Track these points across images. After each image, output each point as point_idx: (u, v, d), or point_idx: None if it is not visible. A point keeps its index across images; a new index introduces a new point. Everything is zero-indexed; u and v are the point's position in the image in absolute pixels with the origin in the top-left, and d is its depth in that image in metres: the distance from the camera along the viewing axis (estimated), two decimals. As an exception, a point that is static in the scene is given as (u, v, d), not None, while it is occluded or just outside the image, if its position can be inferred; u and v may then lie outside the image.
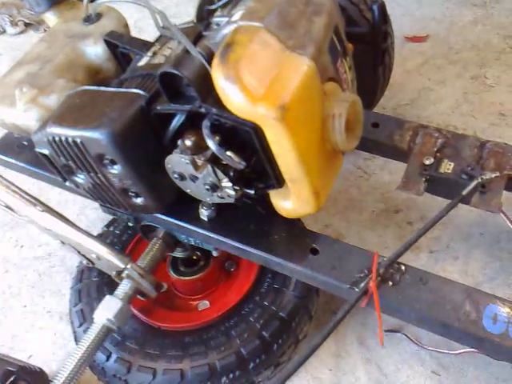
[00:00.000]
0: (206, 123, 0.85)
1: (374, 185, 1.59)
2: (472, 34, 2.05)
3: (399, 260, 0.97)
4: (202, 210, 1.06)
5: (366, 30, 1.15)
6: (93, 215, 1.67)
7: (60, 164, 1.02)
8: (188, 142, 0.89)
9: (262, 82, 0.77)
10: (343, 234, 1.47)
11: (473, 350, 1.04)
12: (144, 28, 2.31)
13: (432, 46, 2.02)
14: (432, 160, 1.09)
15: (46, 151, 1.01)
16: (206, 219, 1.07)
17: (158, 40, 1.11)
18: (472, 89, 1.83)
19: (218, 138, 0.85)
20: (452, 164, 1.08)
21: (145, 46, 1.11)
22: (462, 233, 1.43)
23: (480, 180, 1.05)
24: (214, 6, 1.02)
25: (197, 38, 1.00)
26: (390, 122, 1.21)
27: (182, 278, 1.24)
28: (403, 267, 0.96)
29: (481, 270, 1.35)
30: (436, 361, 1.22)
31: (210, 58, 0.95)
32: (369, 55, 1.22)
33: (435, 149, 1.12)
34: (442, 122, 1.73)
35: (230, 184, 0.91)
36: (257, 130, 0.81)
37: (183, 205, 1.06)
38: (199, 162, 0.88)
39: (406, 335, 1.24)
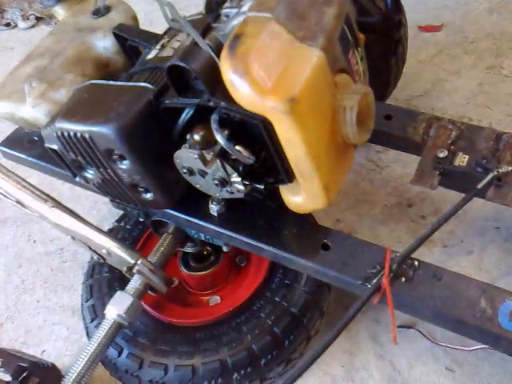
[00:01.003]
0: (214, 117, 0.83)
1: (386, 178, 1.57)
2: (487, 22, 2.00)
3: (412, 255, 0.95)
4: (212, 206, 1.05)
5: (378, 19, 1.12)
6: (105, 210, 1.67)
7: (69, 159, 1.01)
8: (197, 137, 0.88)
9: (270, 74, 0.76)
10: (355, 228, 1.45)
11: (488, 346, 1.02)
12: (154, 21, 2.29)
13: (446, 35, 1.98)
14: (446, 153, 1.07)
15: (55, 146, 1.00)
16: (215, 214, 1.06)
17: (166, 32, 1.09)
18: (488, 79, 1.79)
19: (226, 132, 0.84)
20: (467, 157, 1.05)
21: (154, 38, 1.10)
22: (477, 227, 1.40)
23: (496, 173, 1.02)
24: (223, -2, 1.00)
25: (206, 30, 0.98)
26: (403, 114, 1.18)
27: (192, 273, 1.24)
28: (416, 263, 0.94)
29: (496, 265, 1.32)
30: (450, 357, 1.20)
31: (218, 50, 0.93)
32: (382, 45, 1.19)
33: (449, 141, 1.10)
34: (456, 113, 1.69)
35: (239, 179, 0.90)
36: (266, 124, 0.79)
37: (193, 200, 1.05)
38: (208, 156, 0.87)
39: (419, 331, 1.22)
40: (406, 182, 1.53)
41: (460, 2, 2.11)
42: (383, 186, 1.54)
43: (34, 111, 1.08)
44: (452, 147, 1.09)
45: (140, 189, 1.00)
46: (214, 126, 0.83)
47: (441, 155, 1.07)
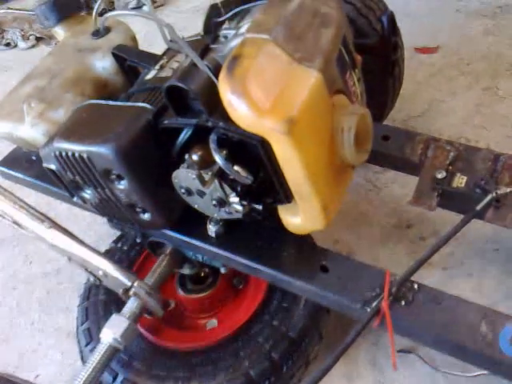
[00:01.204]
0: (212, 137, 0.83)
1: (384, 198, 1.56)
2: (483, 45, 2.03)
3: (412, 278, 0.94)
4: (210, 226, 1.04)
5: (375, 41, 1.13)
6: (102, 230, 1.65)
7: (67, 179, 1.01)
8: (195, 157, 0.88)
9: (268, 95, 0.76)
10: (354, 249, 1.44)
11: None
12: (153, 41, 2.30)
13: (442, 57, 2.00)
14: (444, 174, 1.07)
15: (53, 166, 1.00)
16: (213, 235, 1.05)
17: (165, 53, 1.10)
18: (484, 100, 1.80)
19: (225, 152, 0.84)
20: (465, 178, 1.05)
21: (153, 59, 1.11)
22: (476, 249, 1.39)
23: (494, 194, 1.02)
24: (221, 19, 1.01)
25: (204, 51, 0.99)
26: (400, 135, 1.19)
27: (189, 295, 1.22)
28: (416, 286, 0.93)
29: (496, 288, 1.31)
30: (450, 383, 1.17)
31: (217, 70, 0.93)
32: (378, 67, 1.19)
33: (447, 162, 1.10)
34: (453, 133, 1.69)
35: (237, 199, 0.89)
36: (264, 144, 0.79)
37: (191, 221, 1.04)
38: (206, 176, 0.87)
39: (419, 356, 1.19)
40: (405, 202, 1.52)
41: (456, 25, 2.14)
42: (382, 207, 1.54)
43: (32, 131, 1.08)
44: (450, 168, 1.09)
45: (138, 209, 0.99)
46: (212, 146, 0.83)
47: (439, 176, 1.07)
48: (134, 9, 2.66)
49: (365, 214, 1.53)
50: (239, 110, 0.76)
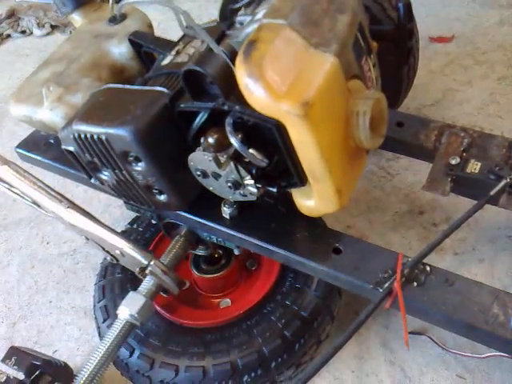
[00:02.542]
0: (228, 120, 0.85)
1: (397, 185, 1.57)
2: (498, 34, 2.01)
3: (424, 261, 0.95)
4: (224, 208, 1.07)
5: (391, 27, 1.14)
6: (117, 213, 1.69)
7: (85, 161, 1.03)
8: (211, 140, 0.89)
9: (285, 79, 0.77)
10: (366, 235, 1.46)
11: (499, 353, 1.02)
12: (167, 29, 2.33)
13: (457, 46, 1.99)
14: (458, 160, 1.07)
15: (71, 148, 1.02)
16: (227, 217, 1.07)
17: (181, 39, 1.12)
18: (499, 89, 1.79)
19: (240, 135, 0.85)
20: (479, 164, 1.06)
21: (168, 45, 1.12)
22: (489, 235, 1.40)
23: (508, 180, 1.02)
24: (237, 5, 1.02)
25: (220, 37, 1.01)
26: (414, 122, 1.19)
27: (203, 275, 1.25)
28: (428, 268, 0.95)
29: (507, 273, 1.32)
30: (461, 364, 1.19)
31: (233, 56, 0.95)
32: (393, 54, 1.20)
33: (461, 148, 1.10)
34: (467, 122, 1.69)
35: (252, 181, 0.91)
36: (279, 127, 0.81)
37: (205, 203, 1.07)
38: (222, 159, 0.88)
39: (430, 338, 1.21)
40: (418, 189, 1.54)
41: (471, 14, 2.12)
42: (394, 194, 1.55)
43: (51, 114, 1.10)
44: (464, 154, 1.09)
45: (154, 190, 1.01)
46: (228, 129, 0.85)
47: (453, 162, 1.07)
48: (148, -4, 2.67)
49: (377, 200, 1.54)
50: (255, 93, 0.77)
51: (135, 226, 1.41)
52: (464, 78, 1.86)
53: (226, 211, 1.06)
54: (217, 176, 0.94)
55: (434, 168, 1.09)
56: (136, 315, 1.06)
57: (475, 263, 1.35)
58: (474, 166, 1.06)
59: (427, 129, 1.17)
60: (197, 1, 2.63)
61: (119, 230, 1.43)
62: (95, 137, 0.94)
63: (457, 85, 1.84)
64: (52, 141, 1.32)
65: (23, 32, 2.70)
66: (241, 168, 0.89)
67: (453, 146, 1.12)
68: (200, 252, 1.23)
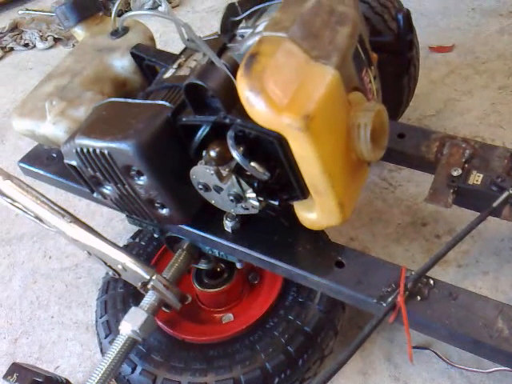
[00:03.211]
0: (230, 134, 0.85)
1: (399, 197, 1.57)
2: (499, 43, 2.02)
3: (427, 274, 0.94)
4: (227, 222, 1.06)
5: (390, 39, 1.14)
6: (119, 227, 1.69)
7: (88, 175, 1.03)
8: (212, 153, 0.89)
9: (286, 92, 0.77)
10: (369, 247, 1.45)
11: (505, 368, 1.01)
12: (169, 42, 2.35)
13: (458, 56, 2.00)
14: (460, 171, 1.07)
15: (74, 162, 1.02)
16: (230, 231, 1.06)
17: (183, 52, 1.12)
18: (500, 99, 1.79)
19: (242, 148, 0.85)
20: (481, 175, 1.05)
21: (170, 58, 1.13)
22: (492, 247, 1.39)
23: (511, 192, 1.02)
24: (238, 18, 1.03)
25: (221, 50, 1.01)
26: (416, 133, 1.19)
27: (206, 290, 1.24)
28: (432, 281, 0.94)
29: (512, 286, 1.31)
30: (466, 380, 1.17)
31: (234, 69, 0.95)
32: (394, 65, 1.20)
33: (463, 160, 1.10)
34: (469, 132, 1.69)
35: (254, 195, 0.91)
36: (281, 141, 0.80)
37: (208, 216, 1.06)
38: (224, 172, 0.88)
39: (434, 352, 1.20)
40: (420, 200, 1.54)
41: (471, 24, 2.13)
42: (397, 205, 1.54)
43: (54, 128, 1.10)
44: (466, 166, 1.09)
45: (156, 204, 1.01)
46: (229, 142, 0.85)
47: (455, 173, 1.07)
48: (149, 9, 2.69)
49: (380, 212, 1.53)
50: (257, 106, 0.77)
51: (137, 239, 1.40)
52: (465, 87, 1.86)
53: (228, 225, 1.06)
54: (219, 189, 0.93)
55: (436, 180, 1.09)
56: (138, 331, 1.05)
57: (479, 276, 1.34)
58: (476, 178, 1.06)
59: (428, 140, 1.17)
60: (198, 12, 2.65)
61: (121, 244, 1.43)
62: (98, 151, 0.94)
63: (458, 95, 1.85)
64: (55, 155, 1.32)
65: (26, 45, 2.72)
66: (242, 181, 0.89)
67: (454, 157, 1.11)
68: (202, 266, 1.23)
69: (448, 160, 1.10)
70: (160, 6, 2.66)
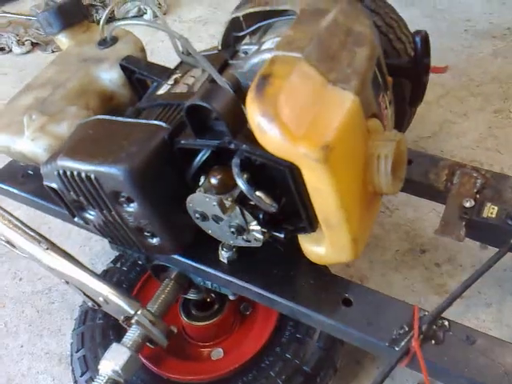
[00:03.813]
0: (235, 161, 0.76)
1: (397, 221, 1.51)
2: (492, 66, 2.00)
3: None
4: (222, 252, 0.97)
5: (406, 62, 1.08)
6: (98, 247, 1.57)
7: (70, 199, 0.93)
8: (214, 180, 0.81)
9: (302, 119, 0.69)
10: (366, 275, 1.38)
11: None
12: (155, 51, 2.25)
13: (452, 77, 1.97)
14: (473, 202, 1.01)
15: (54, 185, 0.92)
16: (225, 261, 0.97)
17: (178, 67, 1.04)
18: (496, 123, 1.76)
19: (246, 175, 0.77)
20: (496, 208, 1.00)
21: (164, 72, 1.05)
22: (495, 277, 1.33)
23: (527, 226, 0.96)
24: (242, 33, 0.95)
25: (223, 67, 0.93)
26: (423, 159, 1.13)
27: (194, 323, 1.14)
28: (447, 323, 0.87)
29: (517, 319, 1.26)
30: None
31: (236, 88, 0.88)
32: (406, 90, 1.14)
33: (475, 190, 1.04)
34: (466, 156, 1.65)
35: (258, 227, 0.83)
36: (293, 170, 0.73)
37: (201, 245, 0.97)
38: (227, 203, 0.80)
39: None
40: (418, 226, 1.48)
41: (464, 45, 2.11)
42: (394, 230, 1.48)
43: (32, 145, 1.00)
44: (478, 196, 1.03)
45: (146, 233, 0.92)
46: (235, 170, 0.76)
47: (467, 205, 1.01)
48: (134, 17, 2.60)
49: (377, 237, 1.47)
50: (269, 133, 0.69)
51: (119, 264, 1.30)
52: (460, 109, 1.83)
53: (224, 255, 0.97)
54: (218, 219, 0.85)
55: (447, 211, 1.02)
56: (120, 371, 0.95)
57: (482, 308, 1.28)
58: (491, 210, 1.00)
59: (437, 167, 1.11)
60: (185, 22, 2.56)
61: (100, 266, 1.33)
62: (83, 175, 0.84)
63: (453, 117, 1.81)
64: (31, 172, 1.21)
65: (2, 49, 2.59)
66: (247, 213, 0.81)
67: (465, 186, 1.05)
68: (191, 296, 1.13)
69: (459, 190, 1.04)
70: (145, 13, 2.57)
